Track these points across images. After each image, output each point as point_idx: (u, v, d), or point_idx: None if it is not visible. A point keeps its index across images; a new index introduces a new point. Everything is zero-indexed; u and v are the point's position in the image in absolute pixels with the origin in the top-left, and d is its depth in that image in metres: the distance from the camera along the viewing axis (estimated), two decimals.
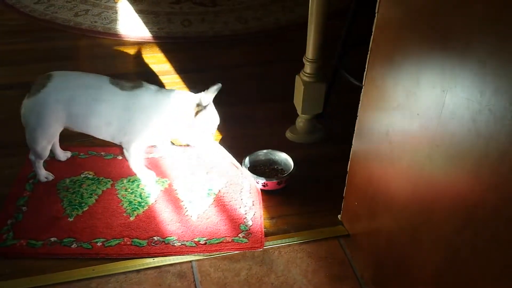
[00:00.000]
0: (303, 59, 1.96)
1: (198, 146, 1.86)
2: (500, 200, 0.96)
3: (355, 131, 1.55)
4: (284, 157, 1.94)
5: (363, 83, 1.45)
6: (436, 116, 1.11)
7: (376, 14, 1.33)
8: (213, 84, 1.73)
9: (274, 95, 2.38)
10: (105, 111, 1.72)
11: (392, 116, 1.32)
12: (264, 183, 1.84)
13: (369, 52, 1.40)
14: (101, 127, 1.75)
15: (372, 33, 1.36)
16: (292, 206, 1.81)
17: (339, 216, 1.75)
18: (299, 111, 2.06)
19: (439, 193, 1.16)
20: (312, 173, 1.95)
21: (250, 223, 1.71)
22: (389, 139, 1.35)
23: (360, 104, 1.49)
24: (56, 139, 1.88)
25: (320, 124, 2.15)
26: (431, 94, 1.12)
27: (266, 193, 1.85)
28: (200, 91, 1.76)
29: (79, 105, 1.71)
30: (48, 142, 1.76)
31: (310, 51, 1.92)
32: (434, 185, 1.18)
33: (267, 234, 1.69)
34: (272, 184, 1.85)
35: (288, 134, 2.14)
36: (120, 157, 1.97)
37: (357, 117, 1.51)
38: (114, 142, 1.80)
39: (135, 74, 2.52)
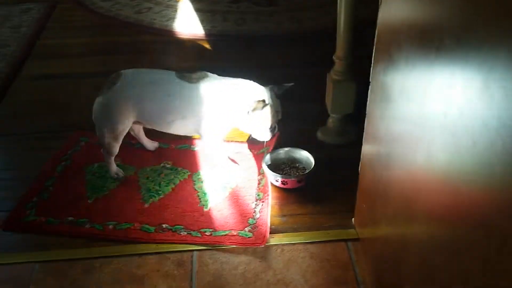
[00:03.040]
0: (333, 57, 1.91)
1: (256, 137, 1.86)
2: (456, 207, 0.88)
3: (364, 131, 1.49)
4: (305, 156, 1.90)
5: (370, 80, 1.39)
6: (425, 117, 1.03)
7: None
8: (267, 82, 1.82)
9: (312, 95, 2.33)
10: (179, 106, 1.77)
11: (389, 115, 1.25)
12: (283, 180, 1.82)
13: (374, 50, 1.34)
14: (176, 122, 1.80)
15: (376, 32, 1.31)
16: (307, 206, 1.77)
17: (353, 219, 1.68)
18: (329, 110, 2.01)
19: (421, 198, 1.08)
20: (335, 174, 1.90)
21: (258, 216, 1.70)
22: (387, 139, 1.28)
23: (368, 102, 1.43)
24: (141, 134, 1.96)
25: (353, 126, 2.08)
26: (418, 91, 1.05)
27: (284, 191, 1.83)
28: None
29: (151, 102, 1.76)
30: (116, 139, 1.78)
31: (339, 48, 1.87)
32: (419, 188, 1.10)
33: (274, 232, 1.66)
34: (292, 182, 1.82)
35: (319, 134, 2.09)
36: (153, 149, 2.02)
37: (366, 116, 1.45)
38: (189, 135, 1.86)
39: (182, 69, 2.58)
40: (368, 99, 1.41)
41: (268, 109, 1.77)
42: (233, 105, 1.78)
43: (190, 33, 2.88)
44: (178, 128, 1.85)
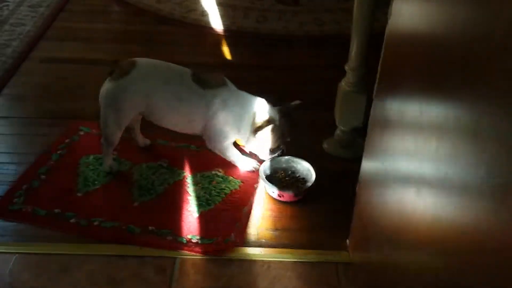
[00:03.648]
0: (345, 67, 1.81)
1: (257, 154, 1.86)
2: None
3: (364, 149, 1.40)
4: (306, 167, 1.81)
5: (373, 96, 1.30)
6: (418, 149, 0.94)
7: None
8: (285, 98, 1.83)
9: (324, 102, 2.23)
10: (188, 110, 1.74)
11: (387, 139, 1.16)
12: (279, 193, 1.73)
13: (379, 67, 1.25)
14: (181, 123, 1.78)
15: (383, 49, 1.22)
16: (302, 221, 1.69)
17: (348, 241, 1.59)
18: (337, 121, 1.92)
19: (411, 231, 0.99)
20: (336, 190, 1.81)
21: (245, 221, 1.64)
22: (383, 163, 1.19)
23: (369, 120, 1.33)
24: (137, 126, 1.89)
25: (361, 140, 1.98)
26: (414, 121, 0.96)
27: (280, 203, 1.75)
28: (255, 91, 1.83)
29: (161, 101, 1.72)
30: (119, 128, 1.73)
31: (352, 58, 1.77)
32: (409, 221, 1.01)
33: (264, 245, 1.59)
34: (288, 195, 1.74)
35: (325, 145, 2.00)
36: (143, 145, 1.96)
37: (366, 135, 1.36)
38: (190, 134, 1.83)
39: (195, 64, 2.51)
40: (370, 118, 1.32)
41: (270, 128, 1.74)
42: (240, 122, 1.77)
43: (209, 27, 2.81)
44: (182, 128, 1.81)
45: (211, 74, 1.82)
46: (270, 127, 1.73)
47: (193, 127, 1.79)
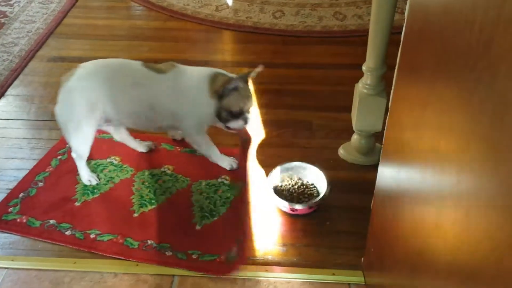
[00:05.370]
0: (362, 67, 1.66)
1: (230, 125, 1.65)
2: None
3: (379, 161, 1.25)
4: (316, 173, 1.67)
5: (391, 97, 1.15)
6: (437, 176, 0.80)
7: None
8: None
9: (346, 103, 2.09)
10: (145, 95, 1.61)
11: (403, 154, 1.02)
12: (291, 208, 1.60)
13: (395, 73, 1.10)
14: (144, 113, 1.63)
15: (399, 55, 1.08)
16: (313, 235, 1.55)
17: (362, 259, 1.45)
18: (353, 126, 1.77)
19: (428, 256, 0.86)
20: (352, 200, 1.67)
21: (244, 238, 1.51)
22: (399, 179, 1.05)
23: (385, 126, 1.19)
24: (127, 135, 1.80)
25: (380, 146, 1.83)
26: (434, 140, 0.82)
27: (290, 215, 1.61)
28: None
29: (117, 92, 1.60)
30: (83, 136, 1.61)
31: (370, 58, 1.62)
32: (427, 244, 0.87)
33: (270, 263, 1.46)
34: (302, 209, 1.60)
35: (341, 151, 1.85)
36: (145, 150, 1.85)
37: (382, 144, 1.22)
38: (165, 131, 1.73)
39: (208, 62, 2.39)
40: (385, 128, 1.17)
41: (231, 87, 1.58)
42: (202, 93, 1.61)
43: (223, 22, 2.68)
44: (149, 121, 1.67)
45: (161, 63, 1.69)
46: (230, 85, 1.58)
47: (158, 118, 1.64)
